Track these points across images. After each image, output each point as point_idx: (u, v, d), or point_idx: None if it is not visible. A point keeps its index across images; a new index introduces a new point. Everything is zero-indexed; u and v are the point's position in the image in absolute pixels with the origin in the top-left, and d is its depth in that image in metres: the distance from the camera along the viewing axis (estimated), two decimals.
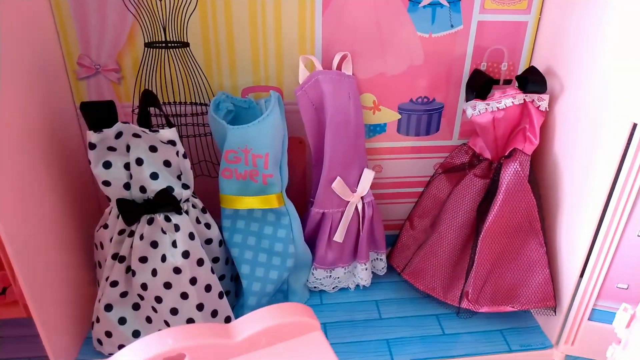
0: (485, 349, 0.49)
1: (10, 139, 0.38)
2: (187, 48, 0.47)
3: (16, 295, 0.49)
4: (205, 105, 0.50)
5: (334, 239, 0.51)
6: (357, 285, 0.56)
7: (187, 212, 0.45)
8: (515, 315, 0.52)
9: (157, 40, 0.46)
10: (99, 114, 0.40)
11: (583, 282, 0.45)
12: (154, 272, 0.43)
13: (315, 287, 0.55)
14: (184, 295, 0.44)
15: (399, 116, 0.53)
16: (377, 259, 0.56)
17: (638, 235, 0.41)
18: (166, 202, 0.43)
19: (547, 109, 0.46)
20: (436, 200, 0.55)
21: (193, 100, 0.49)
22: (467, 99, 0.49)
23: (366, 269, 0.54)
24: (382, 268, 0.56)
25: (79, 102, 0.47)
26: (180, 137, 0.49)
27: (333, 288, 0.55)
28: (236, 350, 0.34)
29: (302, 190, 0.55)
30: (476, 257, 0.49)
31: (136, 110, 0.50)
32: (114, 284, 0.45)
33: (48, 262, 0.43)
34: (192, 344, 0.32)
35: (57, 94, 0.45)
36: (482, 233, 0.48)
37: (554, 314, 0.48)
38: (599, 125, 0.41)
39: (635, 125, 0.37)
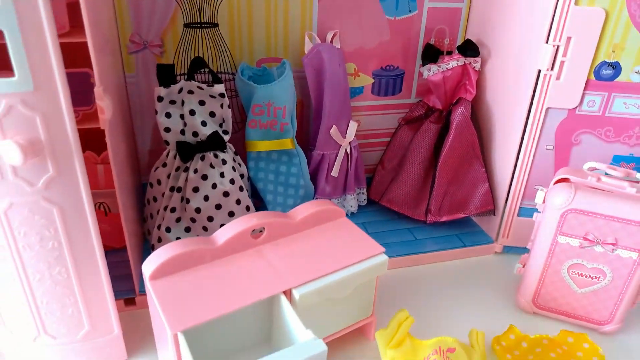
0: (445, 246, 0.67)
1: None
2: (217, 28, 0.60)
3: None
4: (229, 73, 0.63)
5: (331, 174, 0.67)
6: (347, 213, 0.72)
7: (228, 153, 0.58)
8: (467, 224, 0.71)
9: (194, 21, 0.59)
10: (167, 73, 0.52)
11: (512, 188, 0.64)
12: (206, 198, 0.56)
13: None
14: (231, 214, 0.57)
15: (373, 80, 0.70)
16: (360, 193, 0.72)
17: (546, 149, 0.61)
18: (215, 142, 0.56)
19: (480, 69, 0.65)
20: (401, 145, 0.72)
21: (219, 70, 0.62)
22: (423, 64, 0.67)
23: (354, 199, 0.70)
24: (364, 200, 0.73)
25: (129, 72, 0.59)
26: None
27: None
28: (296, 227, 0.48)
29: (301, 140, 0.70)
30: (436, 180, 0.67)
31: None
32: (173, 210, 0.57)
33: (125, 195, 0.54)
34: (269, 221, 0.46)
35: (117, 66, 0.57)
36: (440, 161, 0.66)
37: (493, 215, 0.67)
38: (516, 75, 0.60)
39: (539, 71, 0.56)
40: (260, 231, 0.46)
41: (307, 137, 0.70)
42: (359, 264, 0.45)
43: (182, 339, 0.37)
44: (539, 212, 0.54)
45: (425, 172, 0.69)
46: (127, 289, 0.55)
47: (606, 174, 0.52)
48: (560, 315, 0.56)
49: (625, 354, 0.52)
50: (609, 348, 0.53)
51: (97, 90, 0.43)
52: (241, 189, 0.58)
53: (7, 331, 0.45)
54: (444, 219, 0.68)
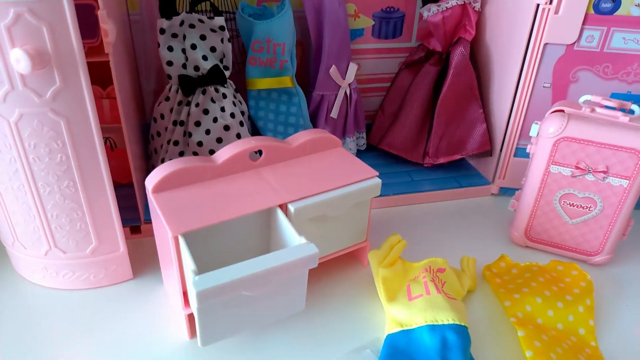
0: (442, 187, 0.68)
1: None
2: None
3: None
4: (230, 12, 0.64)
5: (330, 115, 0.68)
6: None
7: (229, 89, 0.60)
8: (464, 167, 0.72)
9: None
10: (168, 4, 0.54)
11: (509, 127, 0.65)
12: (208, 132, 0.58)
13: None
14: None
15: (373, 22, 0.71)
16: (359, 137, 0.73)
17: (544, 87, 0.61)
18: (216, 76, 0.57)
19: (479, 9, 0.66)
20: (401, 90, 0.73)
21: (221, 10, 0.63)
22: (424, 5, 0.67)
23: (353, 142, 0.71)
24: (363, 144, 0.74)
25: (132, 10, 0.60)
26: None
27: None
28: (293, 152, 0.50)
29: (302, 83, 0.71)
30: (434, 121, 0.68)
31: None
32: (176, 143, 0.59)
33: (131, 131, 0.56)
34: (267, 144, 0.48)
35: (122, 5, 0.58)
36: (438, 102, 0.67)
37: (490, 155, 0.68)
38: (515, 12, 0.61)
39: (537, 5, 0.57)
40: (259, 155, 0.48)
41: (308, 79, 0.71)
42: (353, 185, 0.47)
43: (182, 242, 0.39)
44: (533, 144, 0.55)
45: (424, 115, 0.70)
46: (133, 218, 0.57)
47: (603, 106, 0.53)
48: (552, 247, 0.57)
49: (614, 285, 0.54)
50: (598, 279, 0.54)
51: (101, 13, 0.44)
52: (241, 124, 0.59)
53: (20, 246, 0.48)
54: (441, 160, 0.69)
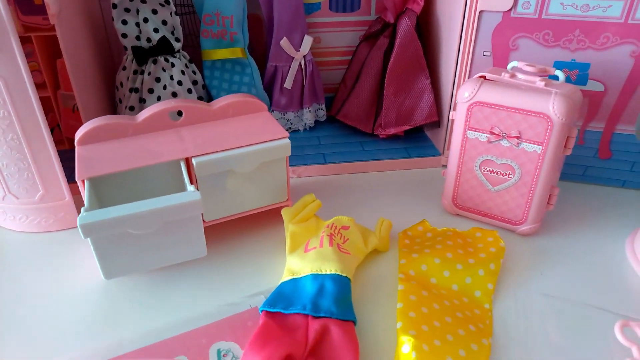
0: (391, 157, 0.69)
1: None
2: None
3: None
4: None
5: (284, 86, 0.71)
6: (305, 129, 0.76)
7: (179, 59, 0.65)
8: (420, 138, 0.73)
9: None
10: None
11: (453, 98, 0.65)
12: (159, 98, 0.64)
13: None
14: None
15: None
16: (319, 109, 0.76)
17: (484, 55, 0.61)
18: (164, 47, 0.62)
19: None
20: (360, 62, 0.74)
21: None
22: None
23: (310, 112, 0.74)
24: (323, 115, 0.76)
25: None
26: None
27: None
28: (214, 114, 0.54)
29: (261, 55, 0.75)
30: (384, 92, 0.69)
31: None
32: (131, 108, 0.65)
33: (91, 99, 0.62)
34: (187, 105, 0.52)
35: None
36: (387, 72, 0.68)
37: (439, 127, 0.69)
38: None
39: None
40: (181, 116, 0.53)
41: (266, 52, 0.74)
42: (260, 144, 0.50)
43: (87, 185, 0.44)
44: (453, 110, 0.55)
45: (377, 87, 0.72)
46: None
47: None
48: (479, 215, 0.57)
49: (535, 255, 0.53)
50: (521, 248, 0.54)
51: None
52: (189, 91, 0.64)
53: None
54: (391, 131, 0.70)
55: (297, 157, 0.68)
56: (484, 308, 0.46)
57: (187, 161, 0.48)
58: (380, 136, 0.72)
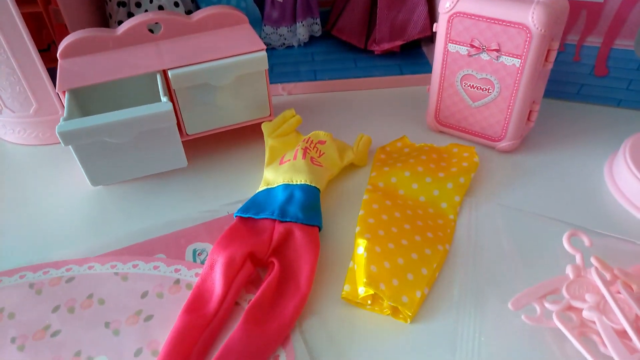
0: (382, 73, 0.69)
1: None
2: None
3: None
4: None
5: None
6: (300, 44, 0.75)
7: None
8: (416, 56, 0.71)
9: None
10: None
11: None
12: (146, 11, 0.63)
13: (268, 44, 0.74)
14: None
15: None
16: (313, 23, 0.74)
17: None
18: None
19: None
20: None
21: None
22: None
23: (303, 27, 0.73)
24: (318, 30, 0.75)
25: None
26: None
27: (280, 45, 0.74)
28: (193, 27, 0.54)
29: None
30: (377, 5, 0.67)
31: None
32: (119, 22, 0.65)
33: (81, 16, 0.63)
34: (165, 17, 0.52)
35: None
36: None
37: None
38: None
39: None
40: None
41: None
42: (236, 57, 0.51)
43: (67, 96, 0.47)
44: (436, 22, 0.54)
45: (371, 0, 0.69)
46: None
47: None
48: (460, 132, 0.57)
49: (513, 171, 0.54)
50: (501, 164, 0.55)
51: None
52: (176, 4, 0.64)
53: None
54: (385, 47, 0.69)
55: (290, 74, 0.68)
56: (448, 218, 0.48)
57: (164, 73, 0.49)
58: (375, 52, 0.70)
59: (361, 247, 0.42)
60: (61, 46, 0.51)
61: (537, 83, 0.51)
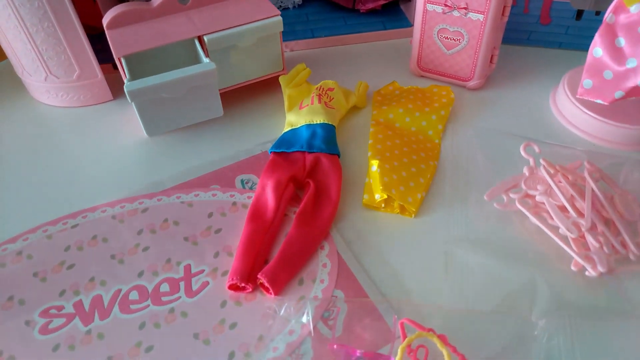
0: (368, 29, 0.80)
1: None
2: None
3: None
4: None
5: None
6: (294, 6, 0.85)
7: None
8: (397, 14, 0.83)
9: None
10: None
11: None
12: None
13: None
14: None
15: None
16: None
17: None
18: None
19: None
20: None
21: None
22: None
23: None
24: None
25: None
26: None
27: (278, 7, 0.84)
28: None
29: None
30: None
31: None
32: None
33: None
34: None
35: None
36: None
37: (409, 1, 0.79)
38: None
39: None
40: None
41: None
42: (258, 22, 0.61)
43: (124, 61, 0.56)
44: None
45: None
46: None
47: None
48: (438, 75, 0.71)
49: (481, 104, 0.68)
50: (470, 100, 0.69)
51: None
52: None
53: (27, 74, 0.67)
54: (370, 6, 0.80)
55: (288, 33, 0.79)
56: (434, 142, 0.61)
57: (200, 39, 0.59)
58: (361, 11, 0.82)
59: (374, 165, 0.55)
60: (107, 19, 0.59)
61: (497, 33, 0.64)
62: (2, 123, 0.68)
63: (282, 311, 0.44)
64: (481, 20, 0.62)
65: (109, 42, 0.58)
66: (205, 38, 0.59)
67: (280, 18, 0.62)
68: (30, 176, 0.61)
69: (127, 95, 0.53)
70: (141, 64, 0.60)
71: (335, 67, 0.75)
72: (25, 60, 0.65)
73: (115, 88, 0.71)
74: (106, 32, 0.59)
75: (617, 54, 0.53)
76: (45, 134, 0.66)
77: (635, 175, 0.55)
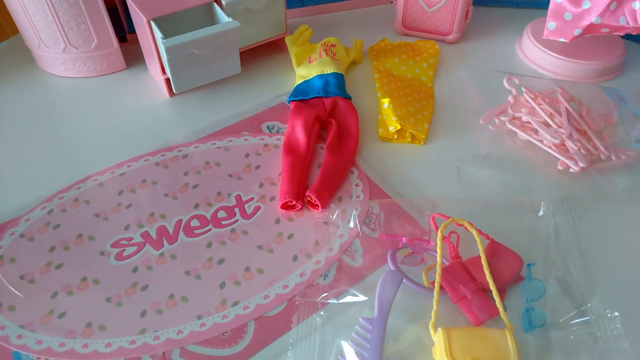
0: None
1: None
2: None
3: None
4: None
5: None
6: None
7: None
8: None
9: None
10: None
11: None
12: None
13: None
14: None
15: None
16: None
17: None
18: None
19: None
20: None
21: None
22: None
23: None
24: None
25: None
26: None
27: None
28: None
29: None
30: None
31: None
32: None
33: None
34: None
35: None
36: None
37: None
38: None
39: None
40: None
41: None
42: None
43: (153, 24, 0.61)
44: None
45: None
46: (121, 30, 0.78)
47: None
48: (421, 32, 0.80)
49: (459, 54, 0.78)
50: (450, 51, 0.79)
51: None
52: None
53: (44, 47, 0.70)
54: None
55: None
56: (428, 86, 0.71)
57: (218, 2, 0.65)
58: None
59: (385, 103, 0.64)
60: None
61: None
62: (21, 97, 0.71)
63: (334, 216, 0.52)
64: None
65: (135, 8, 0.63)
66: (223, 2, 0.65)
67: None
68: (71, 137, 0.65)
69: (163, 51, 0.59)
70: (161, 29, 0.65)
71: (326, 32, 0.82)
72: (44, 32, 0.68)
73: (127, 59, 0.75)
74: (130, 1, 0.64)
75: None
76: (71, 102, 0.70)
77: (593, 97, 0.67)
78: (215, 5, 0.65)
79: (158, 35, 0.60)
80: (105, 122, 0.67)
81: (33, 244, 0.52)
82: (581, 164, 0.56)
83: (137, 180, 0.58)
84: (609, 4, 0.61)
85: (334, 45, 0.72)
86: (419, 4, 0.77)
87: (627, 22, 0.62)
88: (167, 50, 0.59)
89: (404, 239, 0.49)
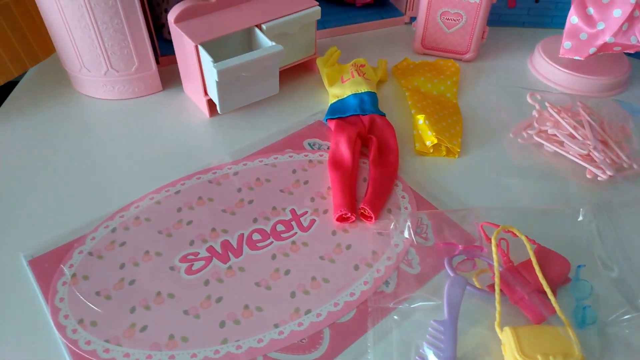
0: (368, 20, 0.93)
1: None
2: None
3: None
4: None
5: None
6: None
7: None
8: (388, 5, 0.97)
9: None
10: None
11: None
12: None
13: None
14: None
15: None
16: None
17: None
18: None
19: None
20: None
21: None
22: None
23: None
24: None
25: None
26: None
27: None
28: None
29: None
30: None
31: None
32: None
33: None
34: None
35: None
36: None
37: None
38: None
39: None
40: None
41: None
42: (301, 12, 0.72)
43: (200, 48, 0.64)
44: None
45: None
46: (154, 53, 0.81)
47: None
48: (439, 51, 0.86)
49: (476, 72, 0.84)
50: (467, 69, 0.84)
51: None
52: None
53: (86, 70, 0.72)
54: (364, 0, 0.94)
55: None
56: (453, 102, 0.76)
57: (258, 27, 0.69)
58: (357, 5, 0.95)
59: (421, 119, 0.68)
60: (174, 13, 0.67)
61: (487, 13, 0.80)
62: (62, 120, 0.73)
63: (392, 226, 0.56)
64: (478, 2, 0.77)
65: (184, 34, 0.66)
66: (264, 26, 0.68)
67: (318, 7, 0.73)
68: (116, 158, 0.67)
69: (215, 74, 0.61)
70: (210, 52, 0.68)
71: (347, 52, 0.87)
72: (87, 56, 0.70)
73: (163, 80, 0.78)
74: (173, 25, 0.67)
75: (589, 20, 0.70)
76: (112, 123, 0.72)
77: (607, 110, 0.73)
78: (257, 30, 0.69)
79: (207, 59, 0.63)
80: (149, 142, 0.69)
81: (103, 261, 0.53)
82: (609, 172, 0.61)
83: (193, 197, 0.61)
84: (622, 24, 0.67)
85: (363, 66, 0.77)
86: (438, 25, 0.82)
87: (638, 41, 0.68)
88: (220, 73, 0.62)
89: (460, 246, 0.53)
